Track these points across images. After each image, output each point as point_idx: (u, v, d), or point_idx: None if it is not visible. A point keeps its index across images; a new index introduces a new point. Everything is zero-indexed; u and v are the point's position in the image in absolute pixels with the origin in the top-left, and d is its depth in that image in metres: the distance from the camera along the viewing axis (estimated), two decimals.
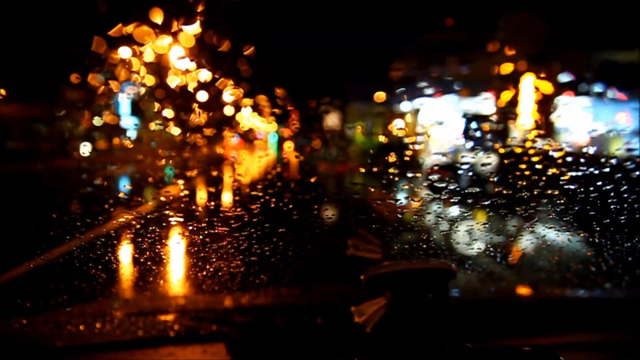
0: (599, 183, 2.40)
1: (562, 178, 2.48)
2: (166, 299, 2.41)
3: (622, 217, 2.32)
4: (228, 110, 10.94)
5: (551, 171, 2.53)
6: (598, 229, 2.32)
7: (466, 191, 2.60)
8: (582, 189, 2.42)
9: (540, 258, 2.46)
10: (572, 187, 2.44)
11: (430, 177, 2.80)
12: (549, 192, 2.45)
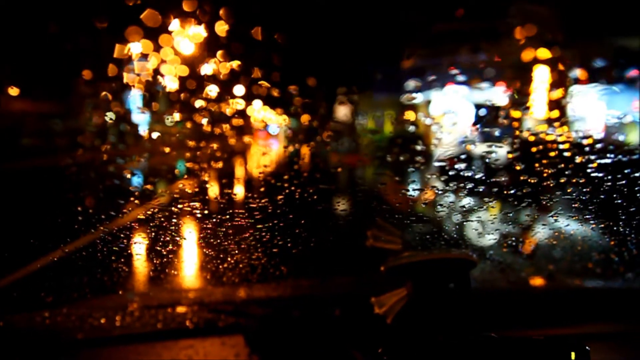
0: (624, 172, 2.36)
1: (580, 167, 2.46)
2: (185, 291, 2.43)
3: None
4: (240, 103, 10.90)
5: (568, 160, 2.51)
6: (619, 218, 2.30)
7: (484, 182, 2.58)
8: (602, 178, 2.39)
9: (561, 248, 2.44)
10: (592, 175, 2.41)
11: (447, 168, 2.79)
12: (568, 181, 2.43)
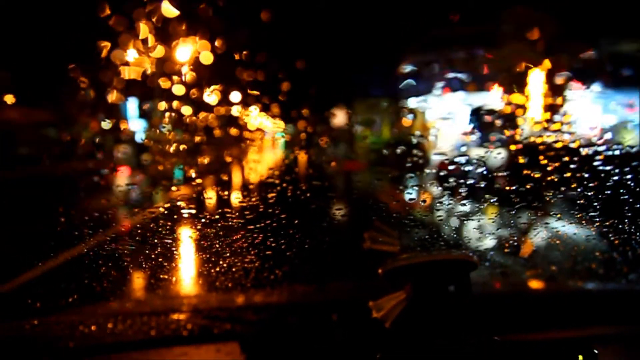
0: (623, 171, 2.34)
1: (579, 167, 2.44)
2: (179, 298, 2.39)
3: None
4: (235, 111, 10.91)
5: (566, 161, 2.49)
6: (621, 218, 2.27)
7: (483, 183, 2.56)
8: (602, 178, 2.37)
9: (562, 249, 2.41)
10: (591, 176, 2.39)
11: (444, 171, 2.77)
12: (568, 180, 2.41)
